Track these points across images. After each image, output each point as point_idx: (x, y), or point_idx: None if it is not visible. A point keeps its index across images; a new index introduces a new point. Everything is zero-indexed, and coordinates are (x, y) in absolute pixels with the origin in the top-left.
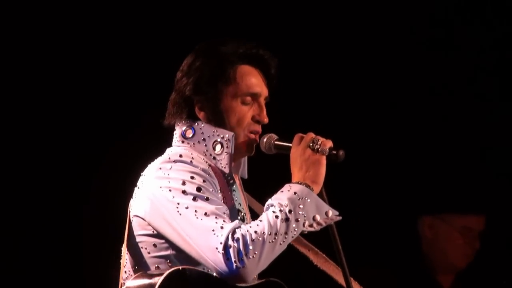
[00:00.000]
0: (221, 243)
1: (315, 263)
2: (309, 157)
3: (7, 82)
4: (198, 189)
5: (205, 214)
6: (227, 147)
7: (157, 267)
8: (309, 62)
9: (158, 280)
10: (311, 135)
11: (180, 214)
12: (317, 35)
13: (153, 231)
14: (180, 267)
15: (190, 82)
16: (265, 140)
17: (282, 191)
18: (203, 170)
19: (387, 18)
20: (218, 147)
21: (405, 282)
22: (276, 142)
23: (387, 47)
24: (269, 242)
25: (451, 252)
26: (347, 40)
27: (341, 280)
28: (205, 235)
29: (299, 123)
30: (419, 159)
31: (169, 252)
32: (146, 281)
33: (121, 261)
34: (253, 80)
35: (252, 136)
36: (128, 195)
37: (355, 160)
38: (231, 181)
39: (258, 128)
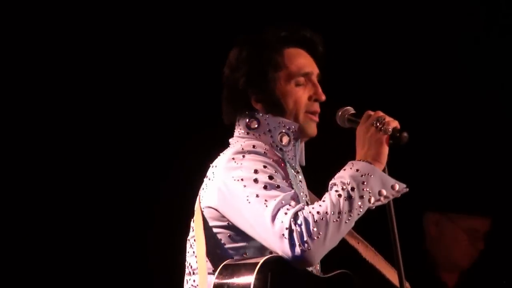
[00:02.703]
0: (286, 228)
1: (363, 256)
2: (371, 135)
3: (68, 83)
4: (270, 177)
5: (274, 201)
6: (294, 138)
7: (233, 258)
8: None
9: (255, 268)
10: (379, 113)
11: (249, 202)
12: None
13: (228, 223)
14: (274, 255)
15: (240, 75)
16: (340, 113)
17: (344, 169)
18: (276, 161)
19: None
20: (285, 138)
21: (409, 279)
22: (350, 117)
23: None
24: (333, 221)
25: (455, 251)
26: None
27: (388, 275)
28: (272, 224)
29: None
30: (430, 157)
31: (244, 243)
32: (240, 270)
33: (187, 251)
34: (302, 61)
35: (312, 116)
36: (195, 189)
37: None
38: (297, 172)
39: (317, 107)
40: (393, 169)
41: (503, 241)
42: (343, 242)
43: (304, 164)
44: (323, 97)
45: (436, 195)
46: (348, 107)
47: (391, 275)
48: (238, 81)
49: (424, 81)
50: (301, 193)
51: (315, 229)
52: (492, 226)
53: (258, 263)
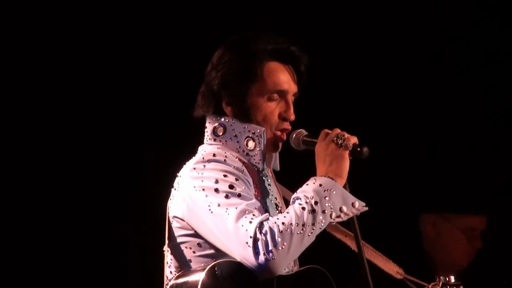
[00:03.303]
0: (250, 237)
1: (352, 249)
2: (332, 151)
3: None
4: (231, 186)
5: (236, 209)
6: (259, 142)
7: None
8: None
9: (201, 274)
10: (337, 130)
11: (211, 212)
12: (347, 32)
13: (195, 231)
14: (221, 261)
15: (218, 76)
16: (294, 135)
17: (307, 184)
18: (237, 168)
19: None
20: (250, 143)
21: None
22: (305, 138)
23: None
24: (297, 233)
25: (453, 251)
26: (373, 39)
27: (380, 263)
28: (235, 231)
29: (326, 120)
30: (424, 158)
31: (213, 250)
32: (189, 278)
33: (164, 261)
34: (281, 77)
35: (278, 133)
36: (166, 195)
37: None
38: (265, 176)
39: (286, 125)
40: (389, 171)
41: (501, 238)
42: (331, 237)
43: (278, 169)
44: (292, 117)
45: (432, 196)
46: (301, 130)
47: (382, 263)
48: (214, 80)
49: (419, 81)
50: (270, 196)
51: (279, 239)
52: (489, 224)
53: (205, 268)
